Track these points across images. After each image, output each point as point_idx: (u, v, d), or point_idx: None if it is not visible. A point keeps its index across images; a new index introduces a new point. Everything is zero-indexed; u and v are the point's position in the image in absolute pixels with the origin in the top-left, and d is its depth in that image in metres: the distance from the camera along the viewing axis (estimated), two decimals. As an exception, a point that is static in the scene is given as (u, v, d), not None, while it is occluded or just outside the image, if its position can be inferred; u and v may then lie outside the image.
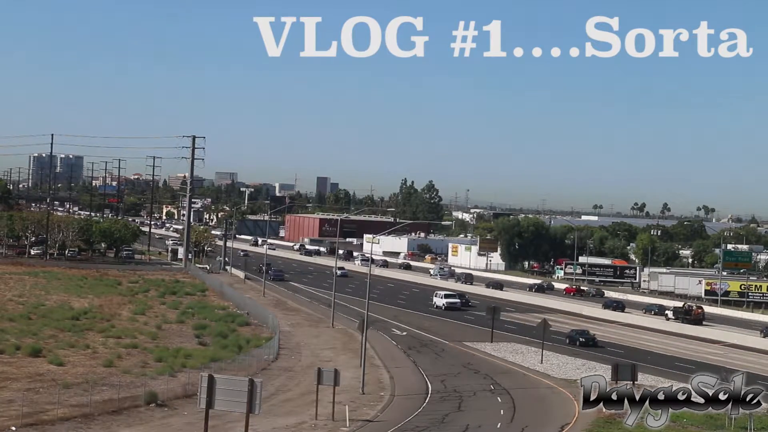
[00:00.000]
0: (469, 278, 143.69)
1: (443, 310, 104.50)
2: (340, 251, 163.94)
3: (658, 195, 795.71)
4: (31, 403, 46.60)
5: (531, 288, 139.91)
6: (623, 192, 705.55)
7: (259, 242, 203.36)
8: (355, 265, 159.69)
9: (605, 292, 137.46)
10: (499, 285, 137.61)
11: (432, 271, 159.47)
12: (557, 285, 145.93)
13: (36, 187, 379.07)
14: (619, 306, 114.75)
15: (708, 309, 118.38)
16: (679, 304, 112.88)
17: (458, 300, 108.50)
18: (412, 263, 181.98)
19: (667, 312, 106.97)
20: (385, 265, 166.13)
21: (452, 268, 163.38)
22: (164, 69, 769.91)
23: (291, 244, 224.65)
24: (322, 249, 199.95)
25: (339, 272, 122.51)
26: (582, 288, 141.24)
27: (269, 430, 45.64)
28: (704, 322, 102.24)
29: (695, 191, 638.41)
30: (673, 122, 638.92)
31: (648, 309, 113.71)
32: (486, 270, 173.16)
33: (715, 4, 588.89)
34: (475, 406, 54.10)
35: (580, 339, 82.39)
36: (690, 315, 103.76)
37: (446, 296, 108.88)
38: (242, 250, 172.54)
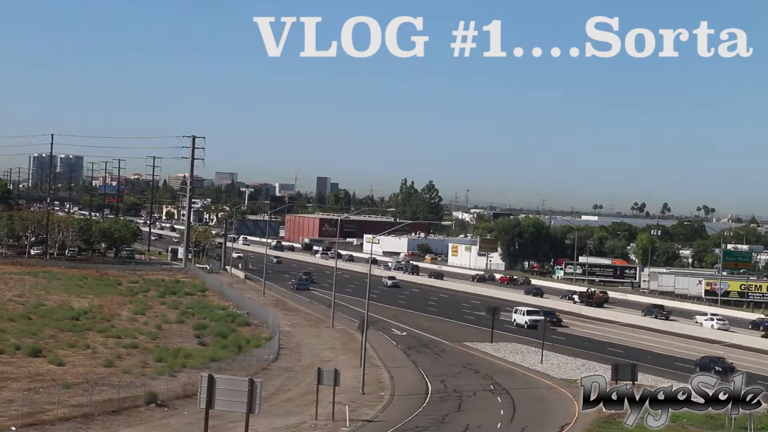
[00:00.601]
0: (415, 269, 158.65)
1: (525, 329, 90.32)
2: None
3: (658, 195, 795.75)
4: (31, 403, 46.58)
5: (473, 278, 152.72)
6: (623, 192, 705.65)
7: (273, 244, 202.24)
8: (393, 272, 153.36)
9: (531, 280, 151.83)
10: (439, 275, 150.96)
11: (390, 264, 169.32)
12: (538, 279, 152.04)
13: (36, 187, 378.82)
14: (539, 292, 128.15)
15: (708, 309, 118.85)
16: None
17: (542, 317, 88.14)
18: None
19: (574, 296, 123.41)
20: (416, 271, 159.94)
21: (407, 260, 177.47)
22: (164, 69, 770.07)
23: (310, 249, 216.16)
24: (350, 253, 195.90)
25: (389, 282, 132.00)
26: (514, 277, 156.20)
27: (269, 430, 45.64)
28: (605, 305, 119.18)
29: (695, 191, 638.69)
30: (673, 122, 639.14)
31: (564, 296, 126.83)
32: (486, 270, 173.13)
33: (715, 4, 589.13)
34: (475, 406, 54.10)
35: (716, 368, 65.49)
36: (592, 298, 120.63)
37: (528, 313, 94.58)
38: (275, 257, 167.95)
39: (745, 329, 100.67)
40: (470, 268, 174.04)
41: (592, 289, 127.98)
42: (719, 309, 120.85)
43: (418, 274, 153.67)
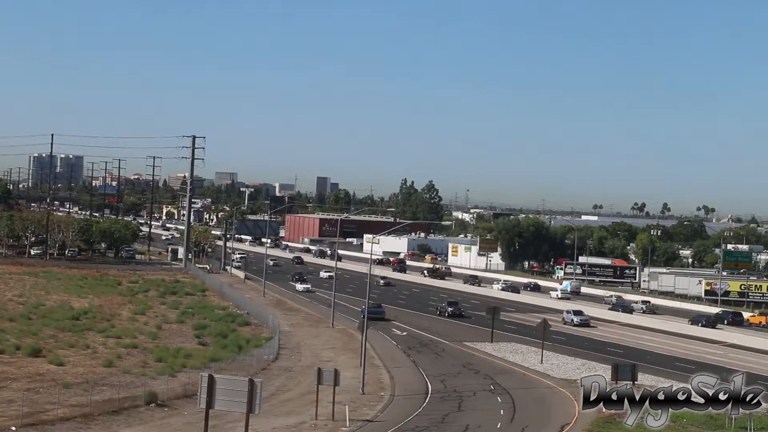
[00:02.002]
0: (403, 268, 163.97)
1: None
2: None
3: (658, 195, 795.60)
4: (31, 403, 46.58)
5: (426, 272, 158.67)
6: (623, 192, 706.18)
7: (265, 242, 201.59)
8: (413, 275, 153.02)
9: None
10: (441, 275, 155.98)
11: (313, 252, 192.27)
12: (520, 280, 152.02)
13: (36, 187, 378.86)
14: (447, 273, 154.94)
15: (708, 309, 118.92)
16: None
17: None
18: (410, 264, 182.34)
19: (424, 271, 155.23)
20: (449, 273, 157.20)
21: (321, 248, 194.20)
22: (164, 69, 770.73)
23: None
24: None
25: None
26: (437, 266, 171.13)
27: (269, 430, 45.63)
28: (446, 277, 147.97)
29: (695, 191, 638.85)
30: (674, 122, 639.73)
31: (465, 280, 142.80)
32: (486, 270, 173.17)
33: (715, 4, 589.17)
34: (475, 406, 54.08)
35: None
36: (436, 273, 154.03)
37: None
38: (324, 267, 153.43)
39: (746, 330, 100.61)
40: (470, 268, 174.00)
41: (437, 266, 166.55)
42: (719, 309, 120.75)
43: (405, 272, 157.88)
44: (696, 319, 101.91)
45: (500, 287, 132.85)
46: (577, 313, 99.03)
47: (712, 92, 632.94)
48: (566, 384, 60.77)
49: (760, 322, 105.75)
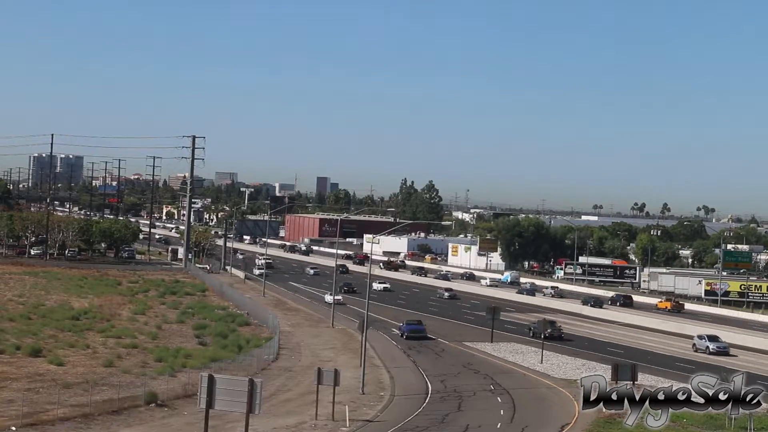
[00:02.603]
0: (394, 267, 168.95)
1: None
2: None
3: (658, 195, 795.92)
4: (31, 403, 46.58)
5: (382, 265, 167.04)
6: (623, 192, 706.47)
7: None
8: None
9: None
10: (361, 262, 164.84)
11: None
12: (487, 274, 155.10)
13: (36, 187, 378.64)
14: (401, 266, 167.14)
15: (707, 309, 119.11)
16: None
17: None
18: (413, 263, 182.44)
19: (381, 263, 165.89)
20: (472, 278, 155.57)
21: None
22: (164, 69, 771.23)
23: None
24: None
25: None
26: (392, 260, 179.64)
27: (269, 430, 45.63)
28: (400, 269, 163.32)
29: (695, 191, 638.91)
30: (674, 122, 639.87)
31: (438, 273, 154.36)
32: (486, 270, 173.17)
33: (715, 5, 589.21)
34: (475, 406, 54.08)
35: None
36: (390, 265, 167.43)
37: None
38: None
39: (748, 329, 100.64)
40: (470, 268, 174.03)
41: (392, 259, 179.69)
42: (719, 309, 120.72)
43: (398, 271, 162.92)
44: (586, 300, 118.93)
45: (487, 283, 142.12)
46: (713, 338, 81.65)
47: (713, 92, 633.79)
48: (566, 384, 60.75)
49: (666, 307, 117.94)
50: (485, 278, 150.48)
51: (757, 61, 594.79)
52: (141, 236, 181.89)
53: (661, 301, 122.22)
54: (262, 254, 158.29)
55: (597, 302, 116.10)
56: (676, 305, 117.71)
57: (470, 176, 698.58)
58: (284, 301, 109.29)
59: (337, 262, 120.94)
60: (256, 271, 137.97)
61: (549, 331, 77.59)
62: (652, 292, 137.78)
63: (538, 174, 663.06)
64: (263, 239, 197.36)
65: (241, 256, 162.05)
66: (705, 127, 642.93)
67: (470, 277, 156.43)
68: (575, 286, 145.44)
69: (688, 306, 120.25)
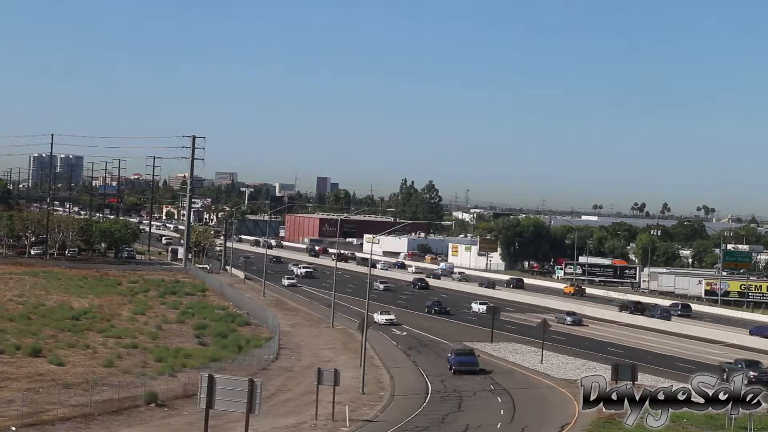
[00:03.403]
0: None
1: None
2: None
3: (658, 195, 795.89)
4: (31, 403, 46.58)
5: (332, 255, 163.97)
6: (623, 192, 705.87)
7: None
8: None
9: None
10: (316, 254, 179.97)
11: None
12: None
13: (36, 187, 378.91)
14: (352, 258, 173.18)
15: (708, 309, 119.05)
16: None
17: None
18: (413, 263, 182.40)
19: (332, 255, 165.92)
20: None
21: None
22: (164, 69, 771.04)
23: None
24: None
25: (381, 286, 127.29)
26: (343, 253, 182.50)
27: (269, 430, 45.63)
28: (349, 261, 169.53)
29: (695, 191, 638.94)
30: (674, 122, 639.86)
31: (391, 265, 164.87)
32: (486, 270, 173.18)
33: (715, 5, 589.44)
34: (475, 406, 54.09)
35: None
36: (342, 257, 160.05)
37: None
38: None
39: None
40: (470, 268, 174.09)
41: (344, 251, 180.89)
42: (719, 309, 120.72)
43: (318, 257, 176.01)
44: (482, 282, 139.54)
45: (478, 283, 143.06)
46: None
47: (713, 92, 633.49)
48: (566, 384, 60.75)
49: (570, 292, 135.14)
50: (411, 266, 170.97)
51: (757, 60, 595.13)
52: (150, 236, 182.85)
53: (566, 287, 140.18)
54: (303, 262, 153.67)
55: (490, 284, 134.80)
56: (578, 289, 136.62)
57: (470, 176, 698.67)
58: (284, 301, 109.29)
59: (418, 277, 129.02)
60: (286, 281, 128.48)
61: None
62: (652, 292, 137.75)
63: (538, 174, 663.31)
64: (266, 239, 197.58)
65: (302, 270, 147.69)
66: (705, 127, 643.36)
67: (401, 266, 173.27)
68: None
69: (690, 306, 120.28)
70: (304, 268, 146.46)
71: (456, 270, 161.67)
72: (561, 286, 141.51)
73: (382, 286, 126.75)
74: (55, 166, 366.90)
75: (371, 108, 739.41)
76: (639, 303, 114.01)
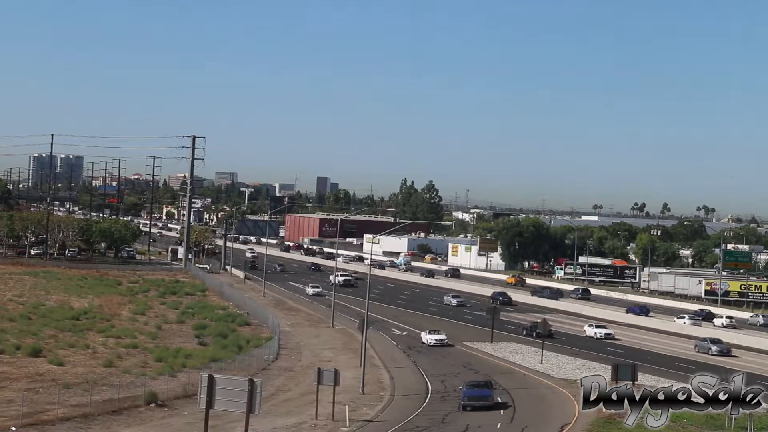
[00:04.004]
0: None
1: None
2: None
3: (658, 195, 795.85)
4: (31, 403, 46.59)
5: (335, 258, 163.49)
6: (623, 192, 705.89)
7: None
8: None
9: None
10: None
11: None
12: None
13: (36, 187, 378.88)
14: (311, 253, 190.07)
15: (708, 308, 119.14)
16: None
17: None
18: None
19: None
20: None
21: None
22: (164, 69, 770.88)
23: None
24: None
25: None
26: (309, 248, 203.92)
27: (269, 430, 45.64)
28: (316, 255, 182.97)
29: (695, 191, 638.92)
30: (674, 122, 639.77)
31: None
32: (486, 270, 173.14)
33: (715, 5, 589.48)
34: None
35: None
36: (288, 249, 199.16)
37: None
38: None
39: (751, 329, 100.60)
40: (470, 268, 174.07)
41: (287, 241, 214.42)
42: (719, 309, 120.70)
43: (288, 252, 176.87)
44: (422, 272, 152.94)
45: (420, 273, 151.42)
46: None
47: (713, 92, 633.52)
48: (566, 384, 60.75)
49: (512, 282, 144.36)
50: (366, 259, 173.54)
51: (757, 60, 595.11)
52: (150, 236, 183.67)
53: (509, 278, 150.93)
54: (341, 269, 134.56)
55: (454, 273, 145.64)
56: (519, 280, 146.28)
57: (470, 176, 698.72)
58: (284, 301, 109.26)
59: (495, 291, 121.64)
60: (310, 290, 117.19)
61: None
62: (652, 292, 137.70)
63: (538, 174, 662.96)
64: (266, 239, 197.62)
65: (278, 267, 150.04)
66: (705, 127, 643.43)
67: (359, 259, 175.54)
68: (575, 285, 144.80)
69: (692, 306, 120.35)
70: (341, 276, 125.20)
71: (404, 263, 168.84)
72: (560, 285, 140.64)
73: (341, 280, 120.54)
74: (55, 166, 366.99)
75: (371, 108, 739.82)
76: None
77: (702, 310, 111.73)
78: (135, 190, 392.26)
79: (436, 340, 78.45)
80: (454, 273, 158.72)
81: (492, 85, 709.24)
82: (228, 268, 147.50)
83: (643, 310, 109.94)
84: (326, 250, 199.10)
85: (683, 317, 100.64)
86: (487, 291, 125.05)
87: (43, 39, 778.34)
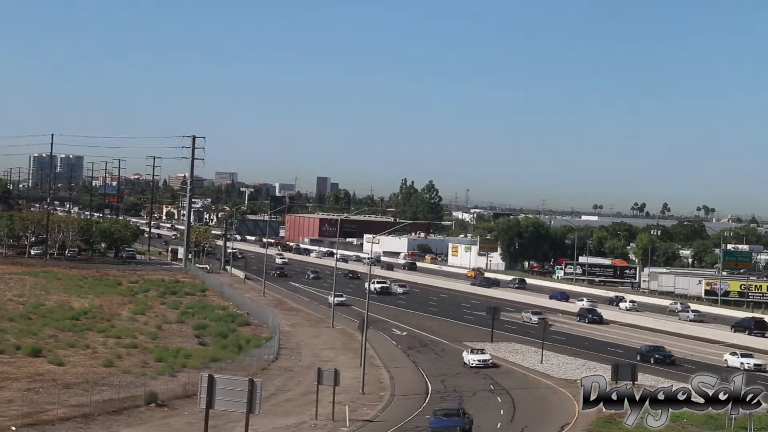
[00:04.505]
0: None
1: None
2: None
3: (658, 195, 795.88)
4: (31, 403, 46.59)
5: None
6: (623, 192, 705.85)
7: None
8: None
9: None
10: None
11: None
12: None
13: (36, 187, 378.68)
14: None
15: (707, 309, 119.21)
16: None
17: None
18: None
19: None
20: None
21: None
22: (164, 69, 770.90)
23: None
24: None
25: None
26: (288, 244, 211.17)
27: (269, 430, 45.66)
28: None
29: (695, 191, 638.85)
30: (674, 122, 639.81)
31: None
32: (486, 270, 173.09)
33: (715, 5, 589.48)
34: (475, 406, 54.04)
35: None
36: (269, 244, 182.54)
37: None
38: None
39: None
40: (470, 268, 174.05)
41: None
42: (719, 309, 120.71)
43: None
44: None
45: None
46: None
47: (713, 92, 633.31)
48: (566, 384, 60.77)
49: (471, 275, 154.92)
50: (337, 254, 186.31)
51: (757, 60, 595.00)
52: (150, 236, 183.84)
53: (469, 271, 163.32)
54: (380, 277, 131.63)
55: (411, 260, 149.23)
56: (478, 273, 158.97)
57: (470, 176, 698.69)
58: (284, 301, 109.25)
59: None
60: (333, 300, 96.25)
61: None
62: (652, 292, 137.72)
63: (538, 174, 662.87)
64: (266, 239, 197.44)
65: (311, 275, 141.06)
66: (705, 127, 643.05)
67: (330, 254, 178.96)
68: (576, 286, 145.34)
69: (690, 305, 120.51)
70: (378, 282, 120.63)
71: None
72: (560, 285, 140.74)
73: (378, 287, 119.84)
74: (55, 166, 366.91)
75: (371, 108, 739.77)
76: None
77: (617, 296, 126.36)
78: (135, 190, 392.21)
79: (479, 361, 66.40)
80: (413, 262, 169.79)
81: (492, 85, 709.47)
82: (228, 268, 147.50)
83: (564, 296, 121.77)
84: (291, 243, 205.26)
85: (582, 299, 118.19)
86: (550, 303, 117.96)
87: (44, 39, 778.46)
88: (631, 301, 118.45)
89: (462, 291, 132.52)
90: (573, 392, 53.76)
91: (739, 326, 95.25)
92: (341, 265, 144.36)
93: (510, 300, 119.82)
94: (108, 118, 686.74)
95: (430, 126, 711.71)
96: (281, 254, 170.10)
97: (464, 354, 69.57)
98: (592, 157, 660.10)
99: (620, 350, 79.75)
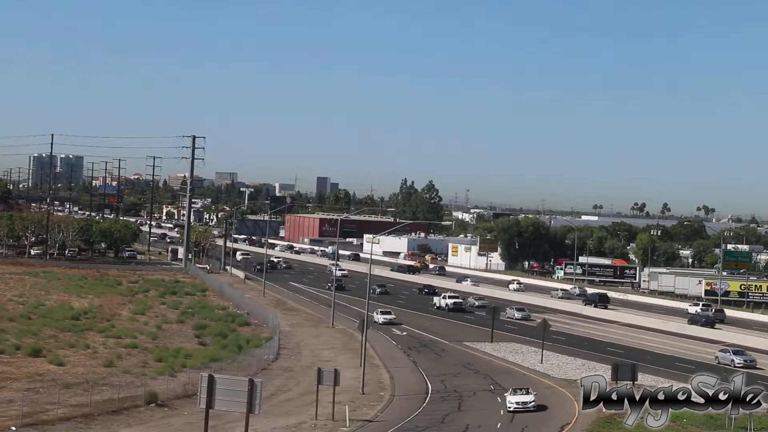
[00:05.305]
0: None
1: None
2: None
3: (658, 195, 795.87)
4: (31, 403, 46.59)
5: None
6: (623, 192, 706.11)
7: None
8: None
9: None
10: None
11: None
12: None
13: (36, 187, 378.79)
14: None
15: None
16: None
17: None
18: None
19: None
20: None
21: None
22: (164, 68, 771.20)
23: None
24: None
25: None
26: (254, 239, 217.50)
27: (269, 430, 45.65)
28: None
29: (695, 191, 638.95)
30: (674, 122, 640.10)
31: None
32: (486, 270, 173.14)
33: (715, 5, 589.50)
34: (475, 406, 54.08)
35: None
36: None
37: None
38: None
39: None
40: (470, 268, 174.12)
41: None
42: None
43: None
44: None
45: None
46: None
47: (713, 92, 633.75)
48: (566, 384, 60.76)
49: (418, 266, 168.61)
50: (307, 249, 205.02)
51: (757, 60, 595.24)
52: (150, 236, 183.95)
53: (415, 262, 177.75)
54: (449, 290, 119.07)
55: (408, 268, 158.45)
56: (423, 264, 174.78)
57: (470, 176, 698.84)
58: (284, 301, 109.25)
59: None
60: (379, 318, 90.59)
61: None
62: (652, 292, 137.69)
63: (538, 174, 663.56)
64: (266, 239, 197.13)
65: (339, 273, 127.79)
66: (705, 127, 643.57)
67: (312, 252, 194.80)
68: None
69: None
70: (450, 298, 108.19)
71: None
72: (560, 285, 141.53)
73: (450, 303, 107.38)
74: (55, 166, 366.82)
75: (371, 108, 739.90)
76: None
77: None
78: (135, 190, 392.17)
79: (517, 404, 52.64)
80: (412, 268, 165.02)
81: (492, 85, 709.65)
82: (228, 268, 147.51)
83: (464, 278, 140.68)
84: (271, 240, 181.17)
85: (513, 282, 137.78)
86: (550, 302, 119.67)
87: (44, 39, 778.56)
88: (518, 283, 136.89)
89: (462, 291, 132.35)
90: (573, 392, 53.75)
91: (588, 300, 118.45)
92: (413, 278, 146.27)
93: (513, 300, 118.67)
94: (108, 118, 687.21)
95: (430, 126, 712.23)
96: (337, 264, 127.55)
97: (507, 396, 54.25)
98: (592, 157, 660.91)
99: (620, 350, 79.73)
